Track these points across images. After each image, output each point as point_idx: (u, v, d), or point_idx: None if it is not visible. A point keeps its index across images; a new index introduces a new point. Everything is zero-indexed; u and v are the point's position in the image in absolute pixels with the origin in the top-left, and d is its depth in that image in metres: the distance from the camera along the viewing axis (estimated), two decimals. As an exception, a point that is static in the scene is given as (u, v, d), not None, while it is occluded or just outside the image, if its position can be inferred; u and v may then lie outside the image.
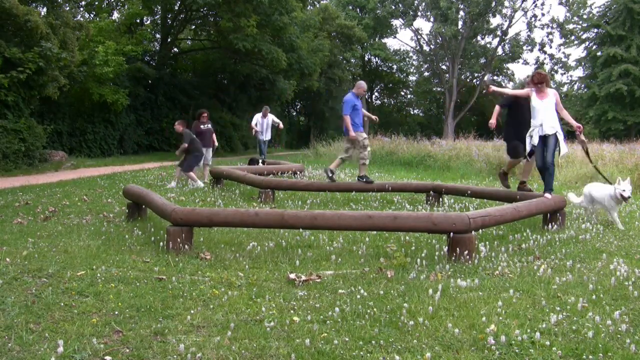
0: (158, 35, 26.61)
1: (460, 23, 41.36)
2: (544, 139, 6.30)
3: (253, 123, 14.33)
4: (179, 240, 4.82)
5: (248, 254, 4.85)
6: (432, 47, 45.68)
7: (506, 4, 41.11)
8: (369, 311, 3.37)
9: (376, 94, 53.28)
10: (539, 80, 6.38)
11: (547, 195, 6.23)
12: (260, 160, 13.96)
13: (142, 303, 3.45)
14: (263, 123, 14.34)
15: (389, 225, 4.82)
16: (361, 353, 2.79)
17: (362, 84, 8.55)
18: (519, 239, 5.59)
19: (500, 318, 3.27)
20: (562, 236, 5.79)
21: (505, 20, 42.66)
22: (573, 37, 40.13)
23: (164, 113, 24.05)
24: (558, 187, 11.35)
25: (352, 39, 37.39)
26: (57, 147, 16.92)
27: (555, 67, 44.20)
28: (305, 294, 3.74)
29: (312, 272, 4.22)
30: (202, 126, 11.27)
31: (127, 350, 2.78)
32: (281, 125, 14.62)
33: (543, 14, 75.93)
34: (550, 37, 47.38)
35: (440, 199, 8.22)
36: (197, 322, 3.19)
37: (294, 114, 45.59)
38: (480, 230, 5.52)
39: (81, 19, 19.83)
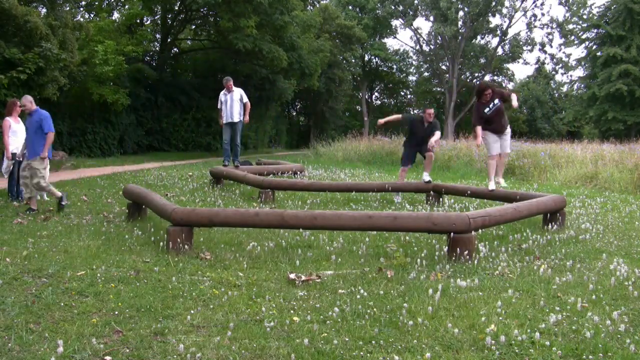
0: (158, 36, 26.62)
1: (460, 23, 41.37)
2: None
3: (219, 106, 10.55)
4: (179, 240, 4.82)
5: (248, 254, 4.85)
6: (432, 47, 45.70)
7: (506, 3, 41.16)
8: (369, 311, 3.37)
9: (376, 94, 53.32)
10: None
11: None
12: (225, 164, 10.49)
13: (142, 303, 3.45)
14: (226, 101, 10.36)
15: (389, 225, 4.82)
16: (361, 353, 2.79)
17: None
18: (519, 239, 5.59)
19: (500, 318, 3.27)
20: (562, 236, 5.79)
21: (505, 21, 42.76)
22: (573, 37, 40.13)
23: (164, 113, 24.08)
24: (558, 187, 11.35)
25: (352, 39, 37.39)
26: (57, 147, 16.89)
27: (556, 67, 44.28)
28: (305, 294, 3.74)
29: (312, 272, 4.23)
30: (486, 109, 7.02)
31: (127, 350, 2.78)
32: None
33: (543, 14, 76.14)
34: (550, 37, 47.44)
35: (440, 199, 8.22)
36: (197, 322, 3.19)
37: (294, 114, 45.61)
38: (480, 230, 5.52)
39: (81, 19, 19.85)
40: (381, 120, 8.68)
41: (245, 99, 10.40)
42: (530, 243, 5.34)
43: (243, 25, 20.12)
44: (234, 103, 10.26)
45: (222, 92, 10.42)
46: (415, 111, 53.06)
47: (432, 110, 8.50)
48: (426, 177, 8.32)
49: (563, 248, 5.25)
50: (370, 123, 43.84)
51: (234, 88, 10.38)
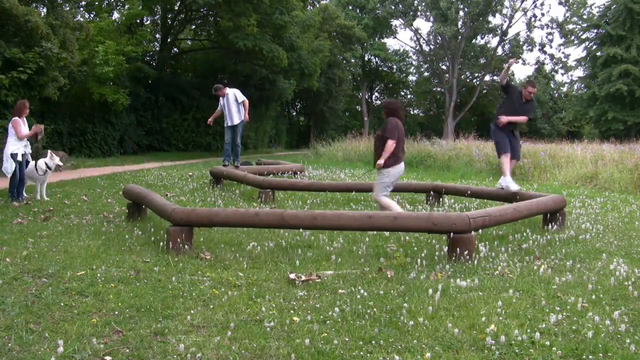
0: (158, 36, 26.62)
1: (460, 23, 41.35)
2: None
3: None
4: (179, 240, 4.82)
5: (248, 254, 4.85)
6: (432, 47, 45.67)
7: (506, 4, 41.14)
8: (369, 311, 3.37)
9: (376, 94, 53.31)
10: None
11: None
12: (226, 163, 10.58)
13: (142, 303, 3.45)
14: (224, 105, 10.45)
15: (389, 226, 4.82)
16: (361, 353, 2.79)
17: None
18: (519, 239, 5.59)
19: (500, 318, 3.27)
20: (562, 236, 5.79)
21: (505, 21, 42.70)
22: (573, 37, 40.12)
23: (164, 113, 24.08)
24: (558, 187, 11.34)
25: (352, 39, 37.40)
26: (57, 147, 16.91)
27: (556, 67, 44.26)
28: (305, 294, 3.74)
29: (312, 272, 4.23)
30: None
31: (127, 350, 2.79)
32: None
33: (543, 14, 76.04)
34: (550, 37, 47.36)
35: (440, 199, 8.22)
36: (197, 322, 3.19)
37: (294, 114, 45.61)
38: (480, 230, 5.52)
39: (81, 19, 19.84)
40: (503, 79, 7.10)
41: (241, 97, 10.30)
42: (530, 243, 5.34)
43: (243, 24, 20.12)
44: (230, 106, 10.28)
45: (220, 97, 10.48)
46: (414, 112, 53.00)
47: (534, 89, 6.96)
48: (506, 182, 6.93)
49: (563, 248, 5.24)
50: (370, 123, 43.82)
51: (228, 90, 10.37)
